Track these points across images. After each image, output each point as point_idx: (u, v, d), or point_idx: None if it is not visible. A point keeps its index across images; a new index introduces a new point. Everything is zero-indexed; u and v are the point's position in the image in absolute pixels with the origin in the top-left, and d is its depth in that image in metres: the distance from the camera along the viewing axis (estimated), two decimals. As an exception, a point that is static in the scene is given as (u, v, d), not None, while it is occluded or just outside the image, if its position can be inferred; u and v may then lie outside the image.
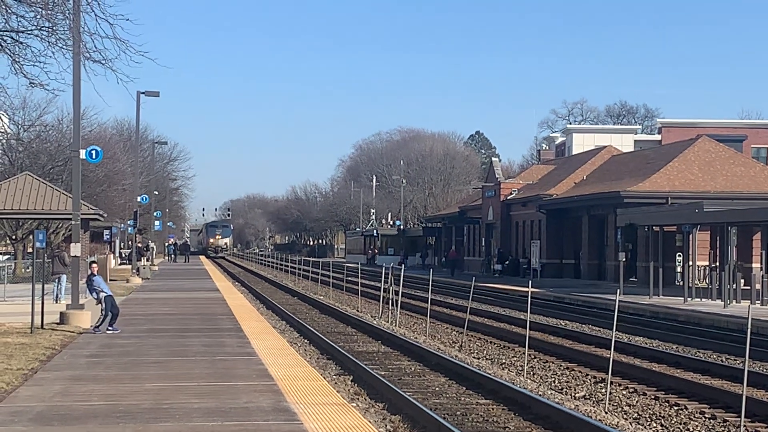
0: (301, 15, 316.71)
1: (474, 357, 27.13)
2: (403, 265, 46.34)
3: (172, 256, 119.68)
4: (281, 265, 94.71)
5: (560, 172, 78.95)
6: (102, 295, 28.47)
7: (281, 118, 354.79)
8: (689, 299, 42.31)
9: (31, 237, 52.87)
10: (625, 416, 18.52)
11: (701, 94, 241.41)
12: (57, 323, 30.02)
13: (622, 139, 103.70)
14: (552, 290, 52.11)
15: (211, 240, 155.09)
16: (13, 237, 63.71)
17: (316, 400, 16.39)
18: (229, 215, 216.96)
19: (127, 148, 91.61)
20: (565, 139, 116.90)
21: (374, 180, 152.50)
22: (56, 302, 37.06)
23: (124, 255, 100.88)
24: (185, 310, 36.84)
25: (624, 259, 49.67)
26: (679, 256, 53.74)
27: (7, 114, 60.82)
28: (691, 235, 46.40)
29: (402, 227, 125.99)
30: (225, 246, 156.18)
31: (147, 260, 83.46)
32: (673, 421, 18.13)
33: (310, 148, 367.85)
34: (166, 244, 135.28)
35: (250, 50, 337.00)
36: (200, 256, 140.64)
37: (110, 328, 28.09)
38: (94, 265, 30.23)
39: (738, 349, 26.59)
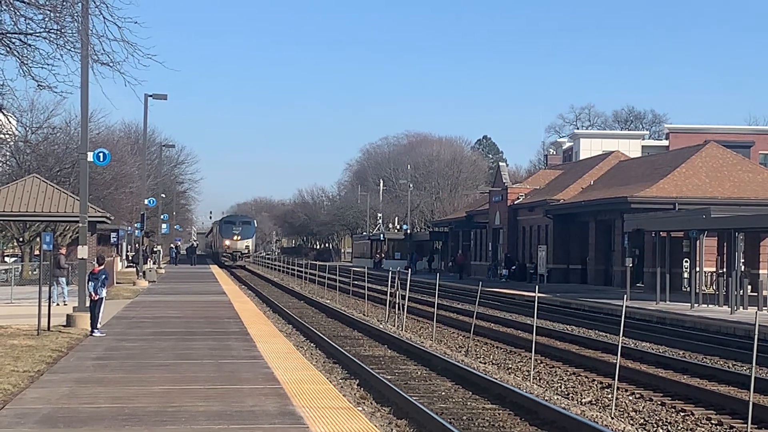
0: (309, 19, 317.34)
1: (480, 362, 27.09)
2: (409, 270, 46.25)
3: (174, 260, 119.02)
4: (288, 268, 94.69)
5: (567, 177, 78.90)
6: (104, 293, 28.65)
7: (289, 122, 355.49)
8: (696, 305, 42.24)
9: (38, 239, 52.98)
10: (631, 422, 18.49)
11: (709, 100, 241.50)
12: (64, 325, 30.06)
13: (630, 145, 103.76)
14: (559, 295, 52.04)
15: (227, 242, 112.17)
16: (21, 239, 63.82)
17: (322, 403, 16.38)
18: None
19: (134, 150, 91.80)
20: (572, 144, 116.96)
21: (381, 184, 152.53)
22: (57, 305, 37.04)
23: (130, 258, 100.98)
24: (191, 313, 36.84)
25: (631, 265, 49.57)
26: (686, 261, 53.65)
27: (15, 116, 60.84)
28: (698, 241, 46.32)
29: (409, 231, 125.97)
30: (246, 250, 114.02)
31: (153, 263, 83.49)
32: (679, 427, 18.09)
33: (317, 151, 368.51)
34: (171, 246, 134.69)
35: (257, 54, 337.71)
36: (211, 266, 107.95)
37: (97, 330, 28.20)
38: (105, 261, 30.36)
39: (745, 356, 26.53)
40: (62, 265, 40.33)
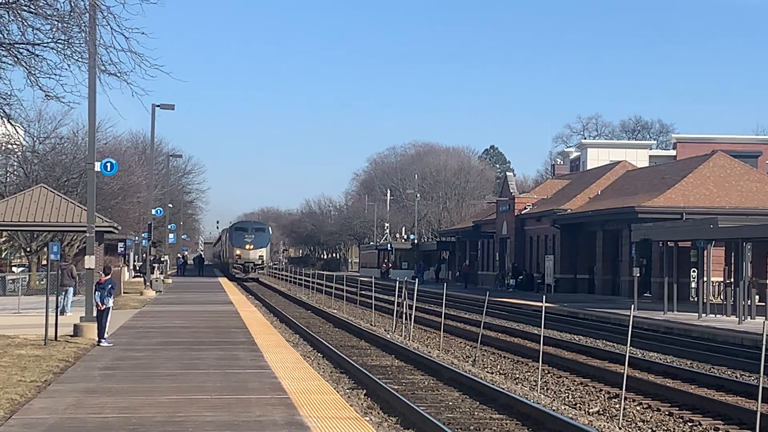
0: (315, 29, 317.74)
1: (487, 372, 27.06)
2: (417, 279, 46.20)
3: (180, 270, 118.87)
4: (295, 278, 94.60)
5: (575, 187, 78.85)
6: (111, 303, 28.81)
7: (295, 132, 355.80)
8: (703, 315, 42.15)
9: (45, 249, 53.02)
10: (639, 432, 18.47)
11: (716, 110, 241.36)
12: (71, 335, 30.09)
13: (637, 155, 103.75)
14: (566, 305, 51.97)
15: (238, 251, 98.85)
16: (28, 249, 63.86)
17: (329, 413, 16.37)
18: None
19: (141, 160, 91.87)
20: (579, 153, 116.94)
21: (388, 194, 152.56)
22: (62, 314, 37.05)
23: (137, 268, 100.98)
24: (198, 323, 36.86)
25: (638, 275, 49.49)
26: (694, 271, 53.57)
27: (22, 126, 61.10)
28: (705, 251, 46.23)
29: (416, 241, 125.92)
30: (260, 261, 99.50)
31: (161, 273, 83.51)
32: (687, 438, 18.07)
33: (324, 161, 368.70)
34: (178, 256, 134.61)
35: (264, 64, 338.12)
36: (219, 278, 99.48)
37: (104, 339, 28.28)
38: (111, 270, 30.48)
39: (753, 366, 26.48)
40: (73, 275, 40.43)
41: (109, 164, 35.69)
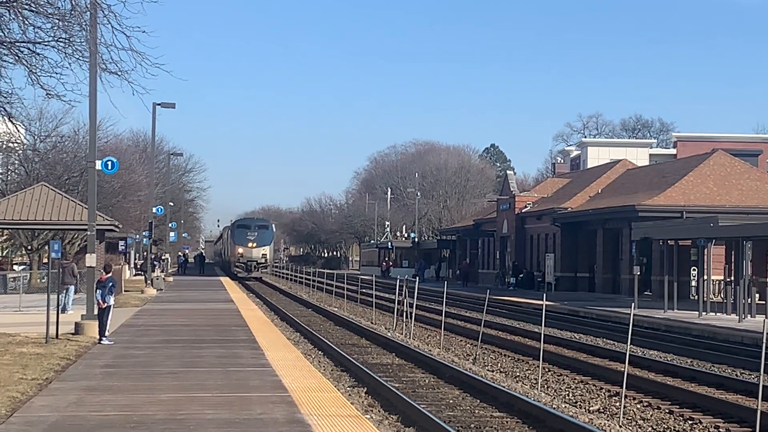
0: (316, 28, 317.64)
1: (488, 370, 27.09)
2: (417, 278, 46.20)
3: (182, 268, 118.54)
4: (296, 276, 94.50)
5: (575, 186, 78.85)
6: (112, 301, 28.85)
7: (296, 131, 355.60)
8: (704, 313, 42.16)
9: (46, 247, 53.08)
10: (639, 430, 18.48)
11: (717, 109, 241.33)
12: (72, 333, 30.09)
13: (637, 153, 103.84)
14: (566, 303, 51.96)
15: (240, 249, 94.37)
16: (29, 247, 63.92)
17: (330, 411, 16.40)
18: None
19: (142, 159, 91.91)
20: (580, 152, 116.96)
21: (389, 192, 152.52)
22: (63, 312, 37.08)
23: (138, 266, 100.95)
24: (199, 321, 36.87)
25: (638, 273, 49.48)
26: (694, 270, 53.59)
27: (23, 125, 61.01)
28: (705, 249, 46.25)
29: (416, 240, 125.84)
30: (263, 259, 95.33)
31: (162, 271, 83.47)
32: (687, 436, 18.08)
33: (324, 160, 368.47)
34: (179, 255, 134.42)
35: (265, 62, 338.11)
36: (221, 277, 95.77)
37: (105, 338, 28.30)
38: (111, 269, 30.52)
39: (753, 364, 26.50)
40: (75, 273, 40.44)
41: (109, 163, 35.69)
